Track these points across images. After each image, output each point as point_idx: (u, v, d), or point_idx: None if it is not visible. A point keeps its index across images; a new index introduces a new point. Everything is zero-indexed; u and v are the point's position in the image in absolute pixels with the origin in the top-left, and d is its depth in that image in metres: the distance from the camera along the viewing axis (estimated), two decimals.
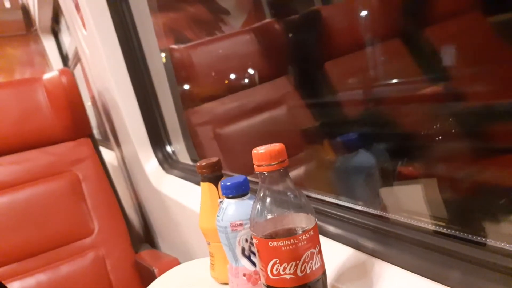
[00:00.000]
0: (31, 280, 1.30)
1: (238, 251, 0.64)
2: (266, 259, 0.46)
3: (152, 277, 1.20)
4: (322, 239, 0.48)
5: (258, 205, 0.47)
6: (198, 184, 1.12)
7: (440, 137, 0.66)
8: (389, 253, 0.52)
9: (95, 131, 1.76)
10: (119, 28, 1.34)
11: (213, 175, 0.72)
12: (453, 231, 0.48)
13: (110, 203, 1.47)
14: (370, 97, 0.86)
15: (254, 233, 0.48)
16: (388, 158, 0.72)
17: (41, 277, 1.31)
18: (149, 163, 1.41)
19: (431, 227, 0.52)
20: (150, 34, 1.39)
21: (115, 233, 1.43)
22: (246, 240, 0.63)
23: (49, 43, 3.05)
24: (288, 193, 0.47)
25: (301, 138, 1.07)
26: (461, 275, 0.43)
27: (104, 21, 1.32)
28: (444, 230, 0.49)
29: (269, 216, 0.47)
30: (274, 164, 0.46)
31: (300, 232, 0.45)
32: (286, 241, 0.45)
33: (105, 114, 1.69)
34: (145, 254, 1.39)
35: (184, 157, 1.41)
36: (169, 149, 1.42)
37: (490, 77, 0.60)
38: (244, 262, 0.64)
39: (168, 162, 1.39)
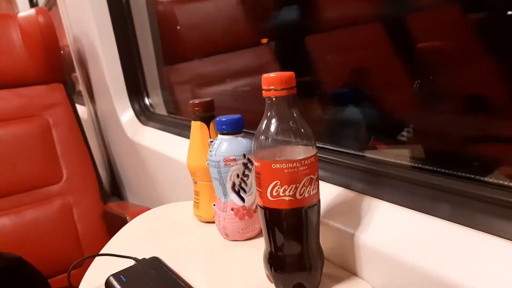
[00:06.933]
0: None
1: (229, 186, 0.65)
2: (267, 181, 0.47)
3: (123, 225, 1.19)
4: None
5: (263, 127, 0.48)
6: (177, 134, 1.11)
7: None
8: (379, 191, 0.54)
9: None
10: None
11: (205, 115, 0.72)
12: (439, 168, 0.51)
13: (81, 151, 1.44)
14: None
15: (256, 157, 0.49)
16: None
17: (4, 220, 1.27)
18: (125, 114, 1.39)
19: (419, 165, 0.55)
20: None
21: (84, 182, 1.40)
22: (238, 176, 0.64)
23: None
24: (292, 123, 0.48)
25: None
26: (450, 206, 0.46)
27: None
28: (432, 167, 0.52)
29: (273, 143, 0.48)
30: (283, 89, 0.47)
31: (302, 157, 0.47)
32: (289, 164, 0.46)
33: (80, 62, 1.63)
34: (114, 205, 1.38)
35: (161, 111, 1.40)
36: (147, 101, 1.39)
37: None
38: (233, 197, 0.65)
39: (145, 114, 1.36)
